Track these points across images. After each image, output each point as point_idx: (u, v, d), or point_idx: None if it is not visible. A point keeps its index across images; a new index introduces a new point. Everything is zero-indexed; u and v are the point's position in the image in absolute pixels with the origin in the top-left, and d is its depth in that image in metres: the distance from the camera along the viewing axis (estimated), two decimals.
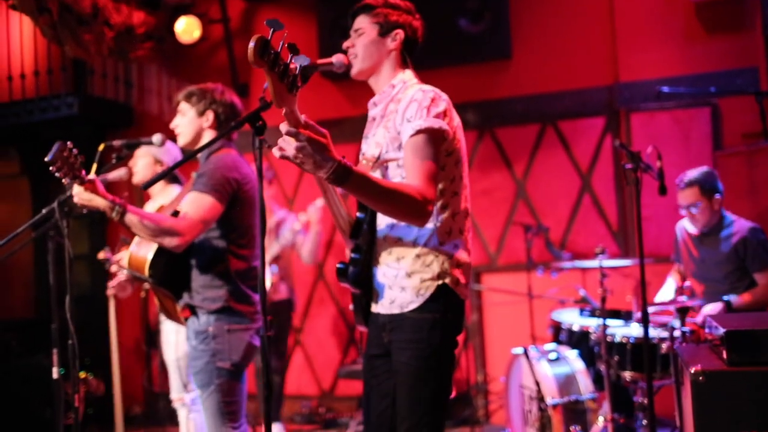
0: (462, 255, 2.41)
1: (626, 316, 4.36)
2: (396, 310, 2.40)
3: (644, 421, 4.20)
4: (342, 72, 2.79)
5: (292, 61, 1.98)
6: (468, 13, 5.92)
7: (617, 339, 4.14)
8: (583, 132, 5.83)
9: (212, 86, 3.41)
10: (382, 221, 2.48)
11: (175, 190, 4.49)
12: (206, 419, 3.18)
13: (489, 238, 6.01)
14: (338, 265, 2.51)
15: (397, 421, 2.39)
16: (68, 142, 2.86)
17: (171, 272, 3.20)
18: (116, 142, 3.45)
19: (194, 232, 3.03)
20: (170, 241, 2.99)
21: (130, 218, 2.96)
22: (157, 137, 3.45)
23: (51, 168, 2.82)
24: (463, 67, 6.02)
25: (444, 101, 2.38)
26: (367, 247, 2.47)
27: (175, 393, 4.40)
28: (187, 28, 6.50)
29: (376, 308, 2.50)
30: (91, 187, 2.92)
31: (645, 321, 3.23)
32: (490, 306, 5.98)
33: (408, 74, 2.55)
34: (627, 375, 4.12)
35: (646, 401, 4.21)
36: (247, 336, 3.19)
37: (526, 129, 5.98)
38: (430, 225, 2.37)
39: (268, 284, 5.45)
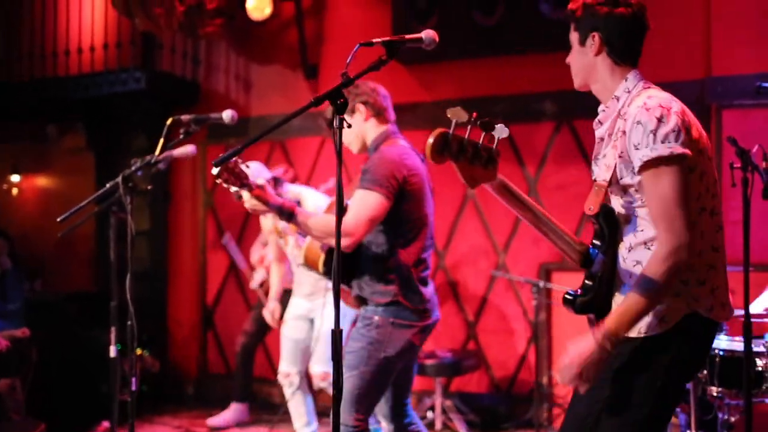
0: (716, 276, 2.15)
1: None
2: (634, 334, 2.16)
3: None
4: (431, 49, 2.58)
5: (491, 134, 1.78)
6: None
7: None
8: None
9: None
10: (623, 248, 2.24)
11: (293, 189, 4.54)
12: None
13: None
14: (566, 295, 2.28)
15: None
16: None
17: (345, 268, 3.18)
18: (184, 117, 3.33)
19: (362, 231, 3.01)
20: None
21: (299, 220, 3.00)
22: (227, 113, 3.31)
23: (218, 180, 2.88)
24: (542, 56, 5.72)
25: (674, 114, 2.06)
26: (603, 274, 2.24)
27: (284, 367, 4.63)
28: (258, 5, 6.33)
29: None
30: (260, 193, 2.96)
31: (747, 334, 2.95)
32: (558, 306, 5.71)
33: (631, 80, 2.24)
34: (713, 390, 3.81)
35: (732, 419, 3.93)
36: (409, 334, 3.12)
37: None
38: None
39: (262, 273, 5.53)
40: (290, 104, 6.68)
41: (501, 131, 1.79)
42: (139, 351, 5.70)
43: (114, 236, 3.49)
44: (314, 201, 4.44)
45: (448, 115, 1.77)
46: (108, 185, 3.24)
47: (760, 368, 3.68)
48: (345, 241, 2.94)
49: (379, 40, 2.51)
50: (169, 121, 3.27)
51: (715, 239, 2.16)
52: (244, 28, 6.66)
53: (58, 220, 3.24)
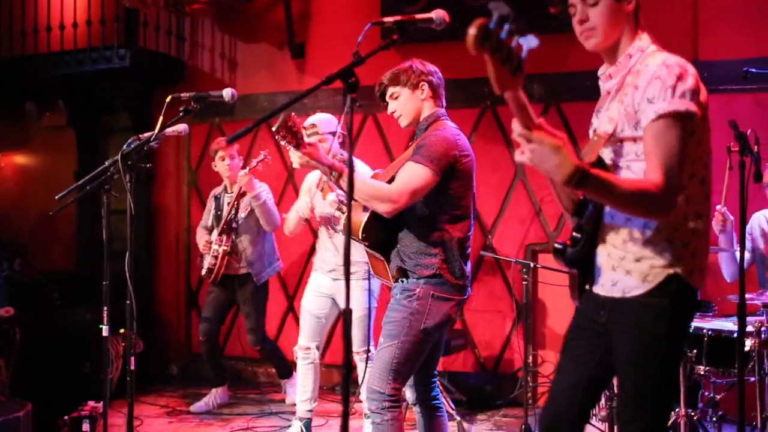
0: (698, 241, 2.20)
1: (705, 307, 4.13)
2: (617, 294, 2.24)
3: (713, 418, 4.01)
4: (441, 29, 2.60)
5: (519, 43, 1.76)
6: None
7: (690, 331, 3.91)
8: None
9: (411, 63, 3.39)
10: None
11: None
12: (374, 368, 3.20)
13: (549, 216, 5.80)
14: (556, 245, 2.34)
15: (586, 404, 2.40)
16: (292, 113, 3.04)
17: (384, 237, 3.27)
18: (184, 95, 3.32)
19: (404, 201, 3.09)
20: (380, 206, 3.11)
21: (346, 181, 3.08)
22: (227, 91, 3.36)
23: (277, 137, 3.01)
24: None
25: (691, 75, 2.10)
26: (590, 227, 2.30)
27: (303, 341, 4.69)
28: None
29: (595, 289, 2.33)
30: (312, 152, 3.08)
31: (742, 314, 3.01)
32: (544, 287, 5.77)
33: (645, 39, 2.28)
34: (701, 369, 3.90)
35: (717, 397, 4.03)
36: (448, 307, 3.19)
37: (594, 105, 5.70)
38: None
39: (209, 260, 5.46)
40: (277, 83, 6.65)
41: (531, 40, 1.76)
42: (122, 330, 5.64)
43: (106, 216, 3.46)
44: (361, 169, 4.47)
45: (490, 7, 1.73)
46: (107, 163, 3.20)
47: (747, 348, 3.77)
48: (387, 207, 3.09)
49: (390, 19, 2.52)
50: (168, 99, 3.26)
51: (702, 206, 2.21)
52: (230, 6, 6.61)
53: (57, 197, 3.21)
